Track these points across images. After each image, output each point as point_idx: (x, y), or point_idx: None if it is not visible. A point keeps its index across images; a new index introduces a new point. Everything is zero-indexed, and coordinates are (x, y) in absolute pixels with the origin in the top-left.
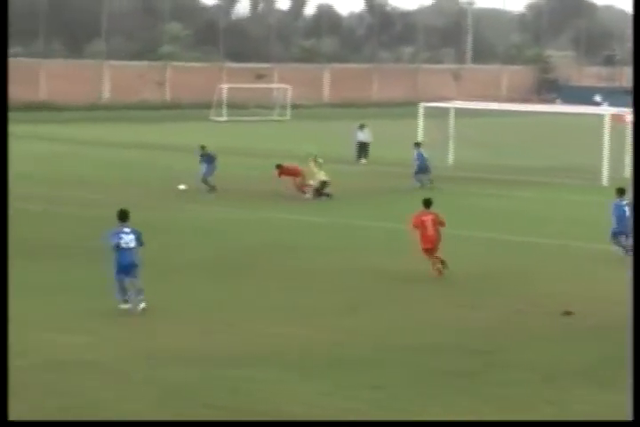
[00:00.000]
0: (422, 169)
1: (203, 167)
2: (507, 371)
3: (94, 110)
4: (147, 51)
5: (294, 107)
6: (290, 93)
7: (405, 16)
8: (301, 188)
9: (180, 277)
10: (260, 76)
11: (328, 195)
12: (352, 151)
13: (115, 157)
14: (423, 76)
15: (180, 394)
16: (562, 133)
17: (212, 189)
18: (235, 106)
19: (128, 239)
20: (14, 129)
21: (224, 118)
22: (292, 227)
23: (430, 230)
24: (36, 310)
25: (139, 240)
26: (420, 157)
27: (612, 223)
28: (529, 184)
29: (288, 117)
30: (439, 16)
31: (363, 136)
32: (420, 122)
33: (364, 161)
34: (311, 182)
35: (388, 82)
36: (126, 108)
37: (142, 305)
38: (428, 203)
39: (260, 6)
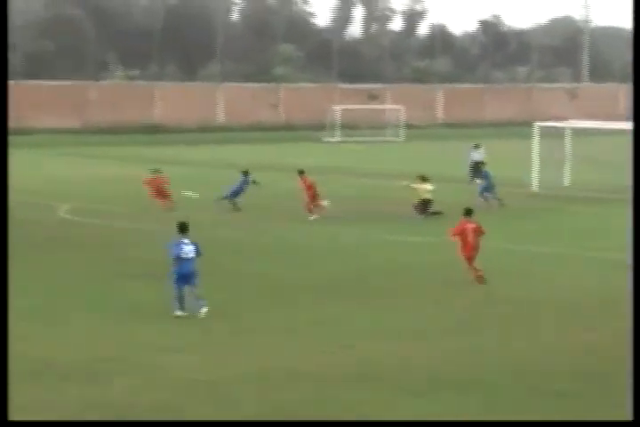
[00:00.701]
0: (489, 187)
1: (234, 186)
2: (623, 394)
3: (208, 132)
4: (260, 72)
5: (407, 127)
6: (403, 114)
7: (519, 35)
8: (308, 206)
9: (292, 296)
10: (372, 97)
11: (438, 213)
12: (466, 171)
13: (229, 179)
14: (538, 96)
15: (292, 415)
16: None
17: (235, 207)
18: (347, 127)
19: (188, 250)
20: (130, 152)
21: (337, 139)
22: (400, 247)
23: (470, 238)
24: (146, 330)
25: (198, 251)
26: (486, 175)
27: None
28: None
29: (401, 138)
30: (554, 35)
31: (477, 156)
32: (535, 142)
33: (478, 181)
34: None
35: (502, 101)
36: (240, 130)
37: (204, 310)
38: (468, 212)
39: (373, 27)
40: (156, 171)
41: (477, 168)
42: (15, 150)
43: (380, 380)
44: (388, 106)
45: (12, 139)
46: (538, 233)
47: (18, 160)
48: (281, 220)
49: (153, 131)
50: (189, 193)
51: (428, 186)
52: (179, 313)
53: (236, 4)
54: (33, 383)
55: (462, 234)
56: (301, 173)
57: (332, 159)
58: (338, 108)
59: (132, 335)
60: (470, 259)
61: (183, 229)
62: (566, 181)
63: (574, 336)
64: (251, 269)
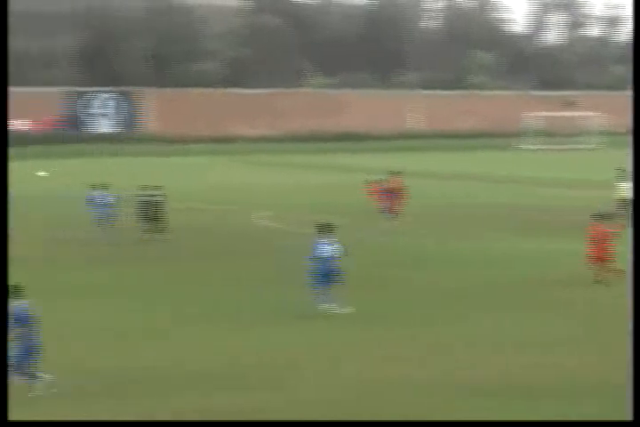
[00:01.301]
0: None
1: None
2: None
3: (403, 139)
4: (455, 80)
5: (607, 135)
6: (600, 121)
7: None
8: (390, 208)
9: (450, 304)
10: (569, 104)
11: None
12: None
13: (425, 188)
14: None
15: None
16: None
17: None
18: (543, 134)
19: (324, 250)
20: (327, 159)
21: (534, 147)
22: (573, 258)
23: (606, 242)
24: (320, 334)
25: (338, 251)
26: None
27: None
28: None
29: (598, 146)
30: None
31: None
32: None
33: None
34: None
35: None
36: (436, 137)
37: (332, 310)
38: (603, 217)
39: (570, 33)
40: (379, 180)
41: None
42: (215, 158)
43: (529, 390)
44: (584, 113)
45: (211, 146)
46: None
47: (218, 167)
48: (464, 230)
49: (348, 138)
50: (42, 173)
51: (625, 184)
52: (335, 310)
53: (430, 11)
54: (205, 388)
55: (601, 238)
56: (395, 173)
57: (530, 167)
58: (533, 116)
59: (310, 339)
60: (601, 260)
61: (324, 230)
62: None
63: None
64: (423, 277)
